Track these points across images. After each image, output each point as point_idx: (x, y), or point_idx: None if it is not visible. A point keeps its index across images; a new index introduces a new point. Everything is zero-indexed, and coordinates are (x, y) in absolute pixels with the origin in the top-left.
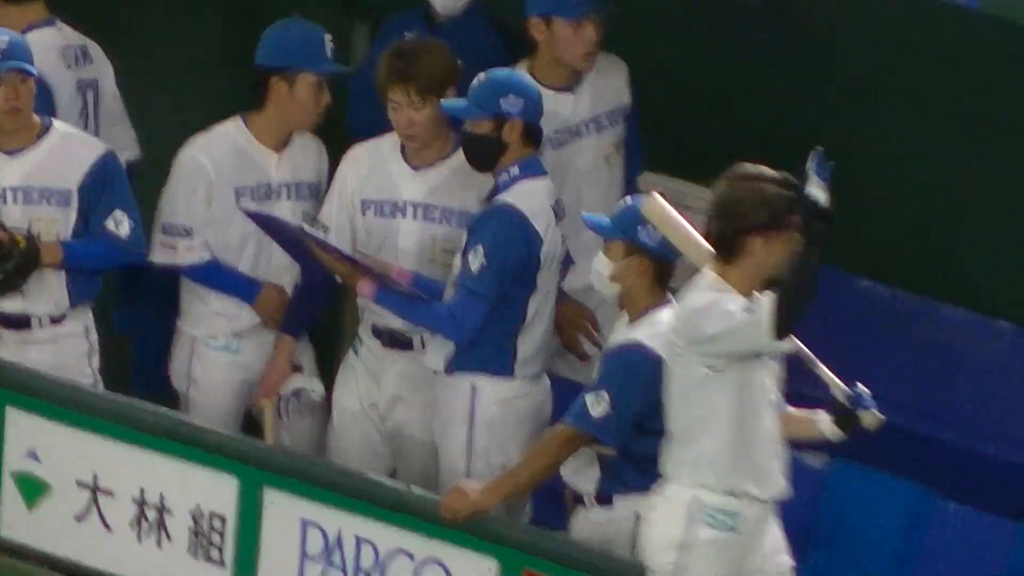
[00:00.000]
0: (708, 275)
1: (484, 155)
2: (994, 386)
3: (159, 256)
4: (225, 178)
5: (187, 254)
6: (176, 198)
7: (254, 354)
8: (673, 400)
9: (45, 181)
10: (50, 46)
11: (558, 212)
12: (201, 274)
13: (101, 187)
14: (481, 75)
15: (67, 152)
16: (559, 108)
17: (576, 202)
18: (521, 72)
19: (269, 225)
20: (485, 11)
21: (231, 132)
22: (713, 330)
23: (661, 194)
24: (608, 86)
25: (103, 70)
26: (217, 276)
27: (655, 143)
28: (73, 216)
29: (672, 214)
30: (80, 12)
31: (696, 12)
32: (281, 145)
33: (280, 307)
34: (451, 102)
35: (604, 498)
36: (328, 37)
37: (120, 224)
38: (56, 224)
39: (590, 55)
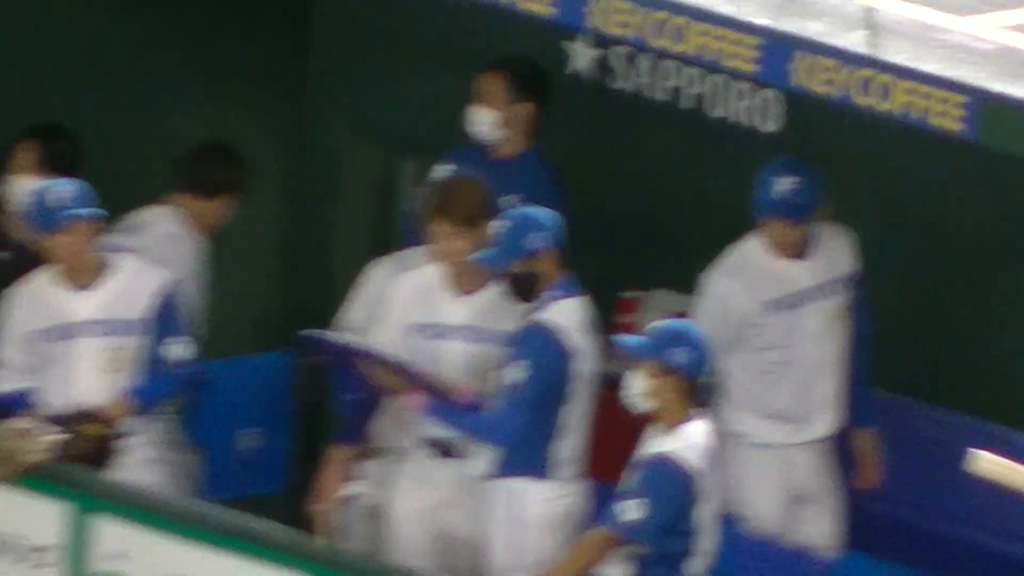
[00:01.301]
0: None
1: (524, 291)
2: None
3: None
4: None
5: None
6: None
7: None
8: None
9: (117, 313)
10: None
11: (591, 328)
12: None
13: (163, 314)
14: (497, 222)
15: (135, 283)
16: (791, 274)
17: (810, 359)
18: (536, 208)
19: (315, 344)
20: (541, 153)
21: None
22: None
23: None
24: (836, 254)
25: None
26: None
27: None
28: (143, 343)
29: (1003, 462)
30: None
31: None
32: None
33: None
34: (483, 255)
35: None
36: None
37: (176, 349)
38: (127, 352)
39: (788, 247)
